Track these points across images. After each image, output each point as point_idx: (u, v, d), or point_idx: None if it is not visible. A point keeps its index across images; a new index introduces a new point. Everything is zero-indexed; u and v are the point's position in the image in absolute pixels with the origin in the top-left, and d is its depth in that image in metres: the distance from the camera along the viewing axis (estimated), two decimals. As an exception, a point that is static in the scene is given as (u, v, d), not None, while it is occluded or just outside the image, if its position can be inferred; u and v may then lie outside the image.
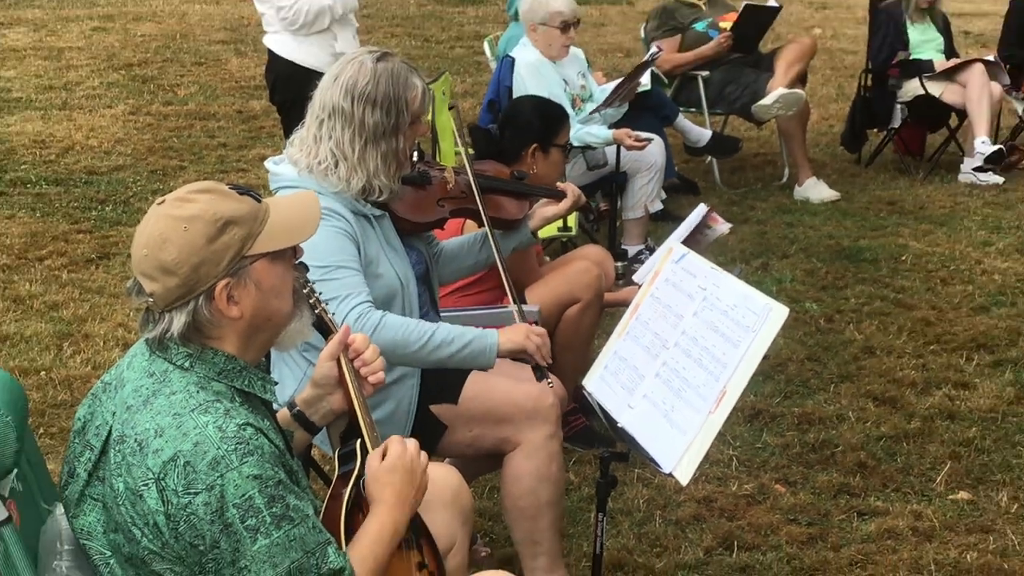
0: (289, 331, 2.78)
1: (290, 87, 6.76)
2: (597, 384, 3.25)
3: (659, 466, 2.94)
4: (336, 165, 3.65)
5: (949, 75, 8.91)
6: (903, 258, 7.41)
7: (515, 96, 6.67)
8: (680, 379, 3.01)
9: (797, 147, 8.58)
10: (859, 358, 6.04)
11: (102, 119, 9.40)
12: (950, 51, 9.31)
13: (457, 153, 5.55)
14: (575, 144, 6.72)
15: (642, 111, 7.55)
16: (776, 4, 8.84)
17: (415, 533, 3.00)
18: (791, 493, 4.81)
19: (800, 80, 8.54)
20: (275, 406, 2.90)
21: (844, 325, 6.44)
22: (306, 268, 2.83)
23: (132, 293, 2.57)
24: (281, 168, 3.72)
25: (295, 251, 2.76)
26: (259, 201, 2.68)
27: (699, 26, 8.52)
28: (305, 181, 3.64)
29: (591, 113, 6.98)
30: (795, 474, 4.95)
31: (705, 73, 8.52)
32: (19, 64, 11.25)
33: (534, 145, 5.00)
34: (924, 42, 9.16)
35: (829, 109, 10.11)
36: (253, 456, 2.51)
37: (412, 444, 2.86)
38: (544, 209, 4.34)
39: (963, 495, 4.82)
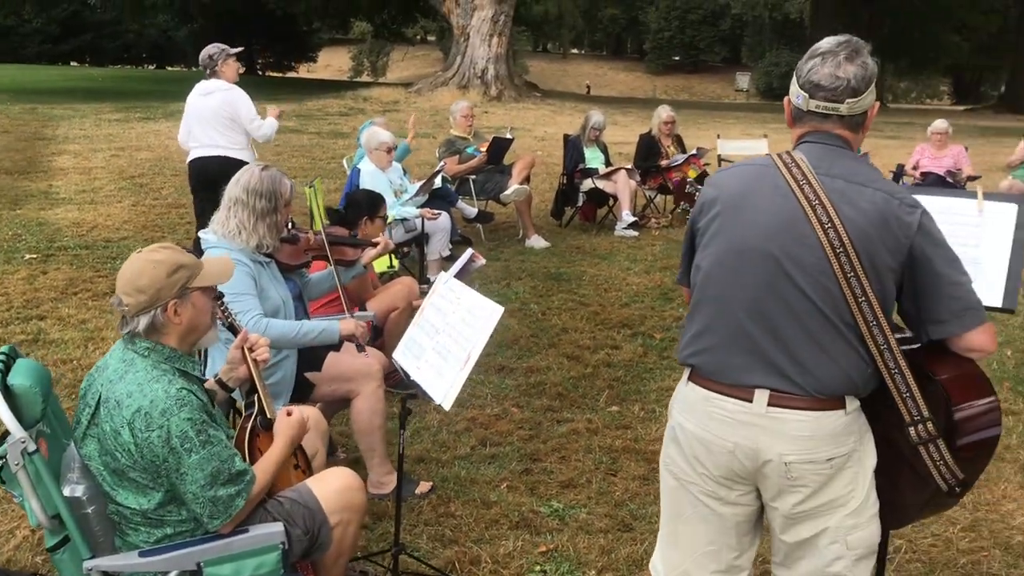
0: (208, 336, 2.71)
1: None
2: (400, 354, 3.18)
3: (433, 400, 2.88)
4: (240, 232, 3.52)
5: (607, 177, 9.02)
6: (584, 278, 7.45)
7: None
8: (445, 349, 2.96)
9: (526, 217, 8.61)
10: (559, 334, 6.05)
11: (115, 209, 9.00)
12: (607, 163, 9.39)
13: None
14: (397, 217, 6.63)
15: (436, 199, 7.50)
16: (511, 137, 8.87)
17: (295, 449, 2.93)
18: (520, 412, 4.80)
19: (526, 180, 8.58)
20: (206, 376, 2.91)
21: (551, 316, 6.44)
22: (221, 296, 2.79)
23: (115, 305, 2.53)
24: (207, 235, 3.57)
25: (214, 289, 2.70)
26: (199, 258, 2.69)
27: (470, 150, 8.49)
28: (222, 242, 3.52)
29: (407, 200, 6.89)
30: (523, 402, 4.94)
31: (474, 176, 8.50)
32: (64, 177, 10.71)
33: (365, 216, 4.89)
34: (593, 158, 9.23)
35: (545, 196, 10.22)
36: (187, 407, 2.47)
37: (302, 411, 2.91)
38: (368, 252, 4.22)
39: (614, 408, 4.86)
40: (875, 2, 34.00)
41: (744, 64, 56.70)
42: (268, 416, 2.85)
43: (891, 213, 2.08)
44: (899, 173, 9.65)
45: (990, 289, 2.77)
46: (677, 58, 58.32)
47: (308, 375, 3.73)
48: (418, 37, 58.05)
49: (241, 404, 3.03)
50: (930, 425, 2.09)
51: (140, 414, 2.41)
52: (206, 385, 2.90)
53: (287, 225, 3.86)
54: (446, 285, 3.14)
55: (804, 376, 2.10)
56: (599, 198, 9.26)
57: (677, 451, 2.31)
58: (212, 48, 6.85)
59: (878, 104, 2.29)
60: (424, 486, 3.89)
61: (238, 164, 6.59)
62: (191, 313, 2.60)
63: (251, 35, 39.75)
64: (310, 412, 3.15)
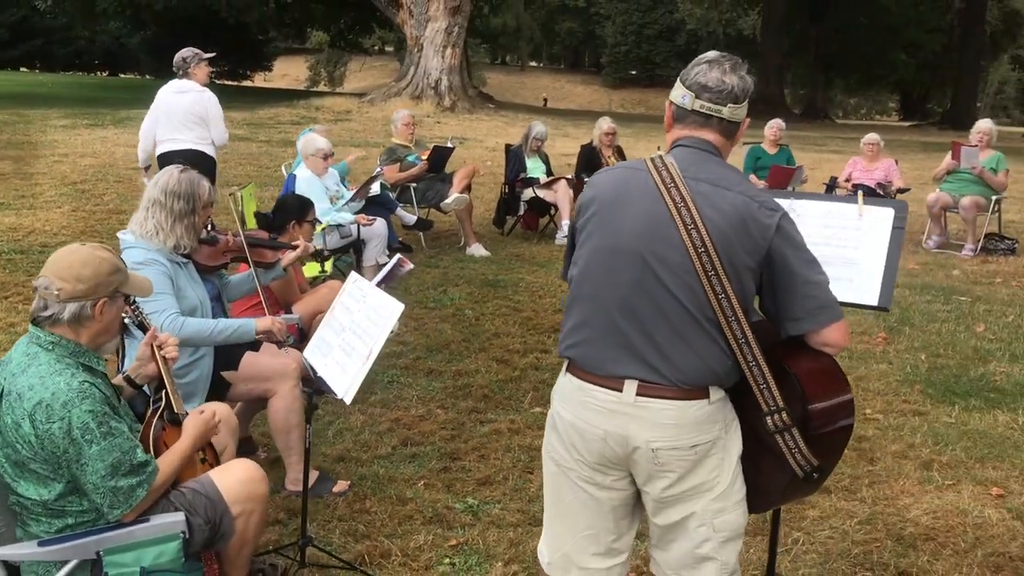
0: (113, 343, 2.84)
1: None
2: (310, 352, 3.26)
3: (336, 394, 2.96)
4: (157, 233, 3.57)
5: (548, 186, 9.14)
6: (520, 285, 7.55)
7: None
8: (349, 346, 3.04)
9: (467, 225, 8.70)
10: (491, 339, 6.15)
11: (54, 215, 8.93)
12: (549, 173, 9.52)
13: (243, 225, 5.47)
14: (331, 223, 6.69)
15: (375, 205, 7.57)
16: (452, 146, 8.98)
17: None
18: (445, 413, 4.89)
19: (467, 189, 8.67)
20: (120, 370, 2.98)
21: (485, 321, 6.53)
22: (134, 300, 2.94)
23: (42, 287, 2.60)
24: (126, 236, 3.62)
25: (127, 297, 2.79)
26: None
27: (411, 158, 8.57)
28: (139, 242, 3.57)
29: (343, 206, 6.96)
30: (448, 403, 5.02)
31: (415, 184, 8.59)
32: (3, 183, 10.59)
33: (294, 220, 4.95)
34: (534, 168, 9.34)
35: (490, 205, 10.28)
36: (89, 399, 2.54)
37: (211, 408, 3.02)
38: (288, 255, 4.28)
39: (538, 409, 4.95)
40: (823, 19, 34.67)
41: (699, 79, 57.31)
42: (175, 412, 2.93)
43: (750, 215, 2.21)
44: (832, 185, 9.91)
45: (867, 289, 2.93)
46: (634, 72, 58.90)
47: (225, 374, 3.79)
48: (376, 48, 58.00)
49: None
50: (784, 415, 2.22)
51: (41, 406, 2.47)
52: (114, 381, 2.97)
53: (207, 227, 3.93)
54: (354, 284, 3.23)
55: (670, 368, 2.22)
56: (540, 207, 9.37)
57: (556, 439, 2.42)
58: (187, 51, 7.25)
59: (748, 120, 2.44)
60: (341, 484, 3.96)
61: (206, 157, 7.05)
62: (112, 315, 2.69)
63: (206, 43, 39.43)
64: (220, 410, 3.21)
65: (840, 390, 2.34)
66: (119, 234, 3.70)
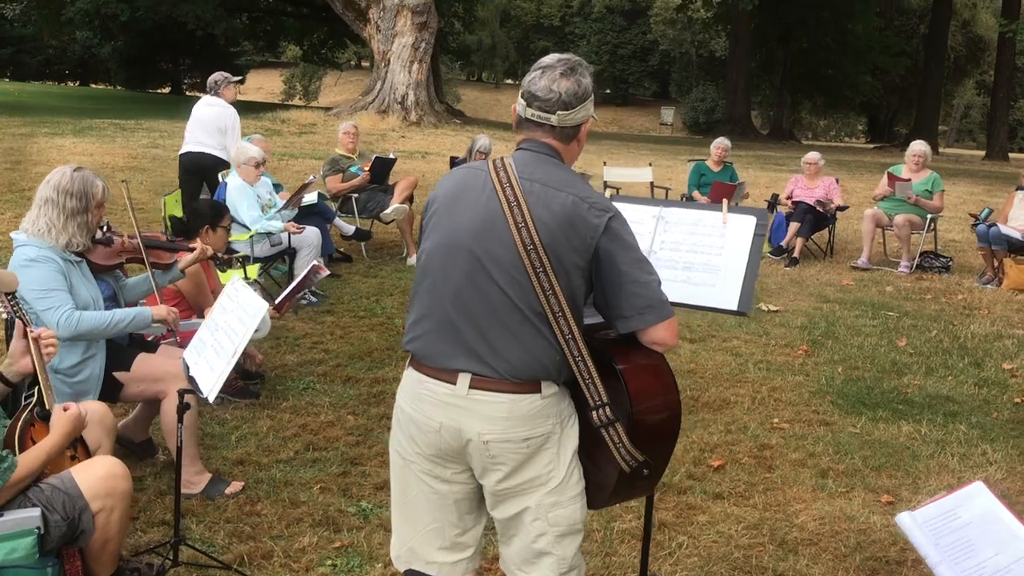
0: None
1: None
2: (188, 352, 3.28)
3: (202, 394, 2.98)
4: (50, 231, 3.59)
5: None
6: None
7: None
8: (220, 345, 3.07)
9: (407, 236, 8.73)
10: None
11: None
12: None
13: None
14: (260, 230, 6.71)
15: (312, 215, 7.61)
16: (393, 157, 9.02)
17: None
18: (355, 419, 4.90)
19: (408, 199, 8.71)
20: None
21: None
22: (13, 296, 2.97)
23: None
24: (18, 235, 3.63)
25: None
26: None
27: (354, 168, 8.62)
28: (32, 240, 3.59)
29: (274, 214, 6.97)
30: (360, 410, 5.03)
31: (356, 194, 8.62)
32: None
33: (207, 225, 4.95)
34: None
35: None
36: None
37: (78, 407, 2.98)
38: (185, 257, 4.28)
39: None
40: (790, 41, 35.07)
41: (674, 99, 57.92)
42: (47, 408, 2.94)
43: (578, 215, 2.27)
44: (772, 202, 10.04)
45: (727, 294, 3.00)
46: (608, 91, 59.31)
47: (117, 375, 3.79)
48: (352, 62, 58.09)
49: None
50: (608, 410, 2.27)
51: None
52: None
53: (102, 227, 3.95)
54: (232, 285, 3.26)
55: (501, 362, 2.27)
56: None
57: (400, 432, 2.46)
58: (218, 75, 8.66)
59: (592, 120, 2.50)
60: (235, 486, 3.97)
61: (220, 161, 8.15)
62: None
63: (177, 55, 39.52)
64: (93, 408, 3.23)
65: (664, 388, 2.40)
66: (12, 233, 3.71)
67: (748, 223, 3.11)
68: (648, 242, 3.14)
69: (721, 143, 10.21)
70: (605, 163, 11.43)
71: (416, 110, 22.70)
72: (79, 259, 3.71)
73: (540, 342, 2.27)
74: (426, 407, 2.36)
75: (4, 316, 3.07)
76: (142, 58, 37.15)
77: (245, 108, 19.90)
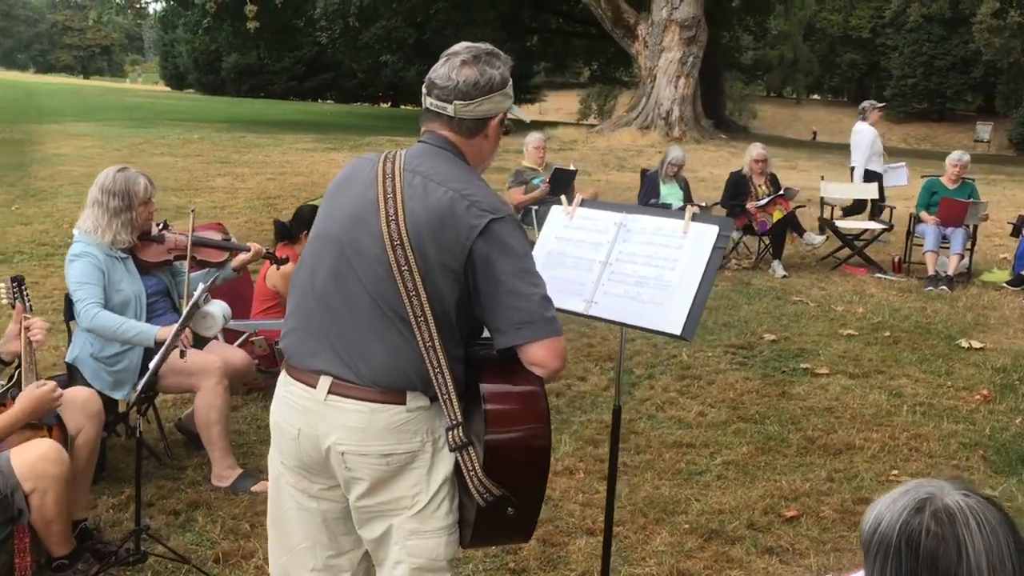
0: None
1: None
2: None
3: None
4: (96, 229, 3.83)
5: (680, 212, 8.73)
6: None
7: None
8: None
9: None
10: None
11: (231, 224, 9.42)
12: (688, 199, 9.10)
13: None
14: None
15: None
16: (573, 168, 8.85)
17: (48, 421, 3.16)
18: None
19: (591, 212, 8.48)
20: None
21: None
22: (16, 281, 3.29)
23: None
24: (76, 231, 3.89)
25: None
26: None
27: (536, 180, 8.57)
28: (81, 237, 3.84)
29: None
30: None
31: (536, 206, 8.55)
32: (209, 195, 11.79)
33: (305, 231, 5.02)
34: (669, 194, 9.01)
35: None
36: None
37: (49, 385, 3.07)
38: (239, 256, 4.36)
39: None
40: None
41: (1001, 113, 52.44)
42: (22, 388, 3.13)
43: (452, 213, 2.04)
44: (1019, 225, 8.74)
45: (672, 315, 2.58)
46: (923, 105, 54.98)
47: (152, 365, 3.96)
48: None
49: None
50: (460, 431, 2.03)
51: None
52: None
53: (158, 225, 4.15)
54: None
55: (363, 366, 2.08)
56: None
57: (273, 441, 2.31)
58: (866, 103, 11.49)
59: (501, 116, 2.24)
60: (263, 485, 3.98)
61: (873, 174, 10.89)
62: None
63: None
64: (80, 394, 3.38)
65: (530, 416, 2.08)
66: (74, 230, 4.01)
67: (709, 233, 2.67)
68: (605, 253, 2.78)
69: (958, 158, 9.01)
70: (823, 178, 10.51)
71: (680, 125, 22.28)
72: (125, 255, 3.93)
73: (405, 348, 2.05)
74: (287, 411, 2.19)
75: (4, 300, 3.32)
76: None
77: (528, 127, 20.51)
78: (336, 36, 26.28)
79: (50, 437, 3.15)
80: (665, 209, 8.72)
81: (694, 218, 2.71)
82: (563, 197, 2.97)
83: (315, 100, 44.99)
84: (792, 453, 4.59)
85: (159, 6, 30.42)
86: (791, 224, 8.89)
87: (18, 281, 3.35)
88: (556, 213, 2.92)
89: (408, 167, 2.12)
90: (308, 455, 2.17)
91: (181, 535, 3.60)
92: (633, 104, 24.35)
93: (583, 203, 2.91)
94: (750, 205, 8.93)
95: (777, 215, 8.80)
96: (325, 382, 2.10)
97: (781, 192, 8.95)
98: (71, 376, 3.92)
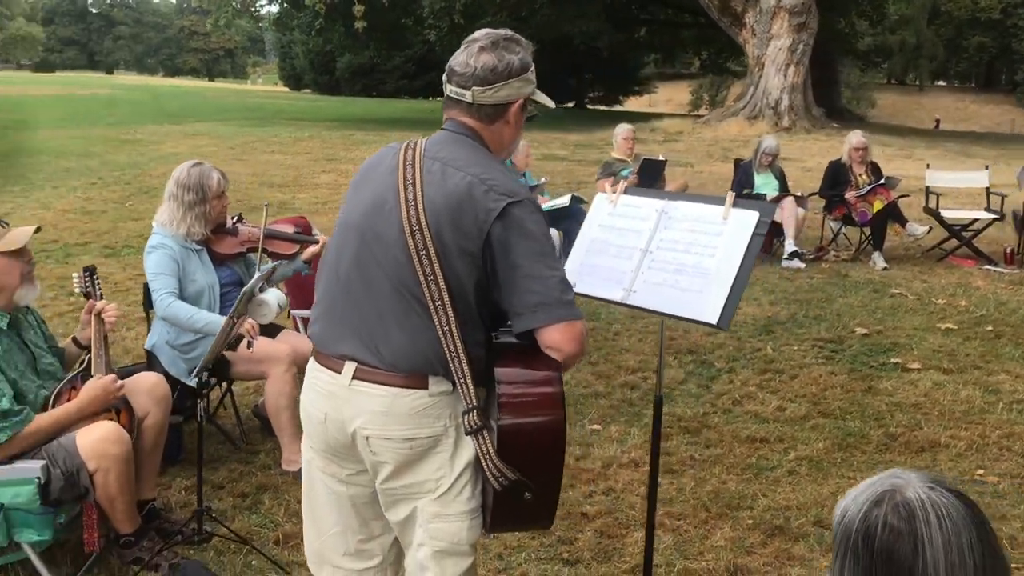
0: (19, 293, 3.16)
1: None
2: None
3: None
4: (171, 222, 3.98)
5: (775, 203, 8.52)
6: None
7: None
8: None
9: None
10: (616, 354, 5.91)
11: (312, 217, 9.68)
12: (784, 189, 8.88)
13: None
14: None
15: (564, 219, 7.58)
16: (663, 159, 8.71)
17: (116, 404, 3.31)
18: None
19: (682, 204, 8.35)
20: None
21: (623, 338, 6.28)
22: (92, 268, 3.46)
23: None
24: (154, 223, 4.05)
25: (22, 253, 3.15)
26: (6, 227, 3.14)
27: (624, 172, 8.48)
28: (158, 230, 4.00)
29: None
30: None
31: (626, 199, 8.45)
32: (312, 191, 12.23)
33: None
34: (764, 184, 8.78)
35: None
36: None
37: (109, 377, 3.25)
38: (309, 249, 4.45)
39: (596, 427, 4.69)
40: None
41: None
42: (92, 374, 3.28)
43: (470, 197, 2.05)
44: None
45: (710, 304, 2.52)
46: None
47: (226, 353, 4.08)
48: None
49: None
50: (476, 415, 2.04)
51: None
52: (62, 344, 3.42)
53: (232, 218, 4.28)
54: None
55: (386, 351, 2.11)
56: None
57: (303, 427, 2.36)
58: None
59: (522, 101, 2.23)
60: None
61: None
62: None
63: (583, 69, 41.49)
64: (146, 380, 3.51)
65: (544, 403, 2.07)
66: (152, 222, 4.17)
67: (749, 219, 2.59)
68: (646, 240, 2.73)
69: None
70: (928, 166, 10.02)
71: (789, 115, 21.69)
72: (199, 247, 4.07)
73: (424, 333, 2.08)
74: (315, 397, 2.24)
75: (77, 290, 3.48)
76: (547, 74, 39.58)
77: (626, 119, 20.42)
78: (443, 34, 26.55)
79: (117, 420, 3.29)
80: (757, 200, 8.52)
81: (735, 203, 2.63)
82: (607, 185, 2.92)
83: (426, 98, 45.56)
84: (871, 450, 4.42)
85: (274, 8, 31.28)
86: (892, 214, 8.54)
87: (90, 271, 3.50)
88: (600, 201, 2.88)
89: (428, 154, 2.14)
90: (335, 440, 2.20)
91: (247, 516, 3.72)
92: (741, 94, 23.83)
93: (627, 191, 2.86)
94: (849, 195, 8.61)
95: (878, 205, 8.46)
96: (350, 367, 2.13)
97: (882, 181, 8.60)
98: (150, 362, 4.10)
